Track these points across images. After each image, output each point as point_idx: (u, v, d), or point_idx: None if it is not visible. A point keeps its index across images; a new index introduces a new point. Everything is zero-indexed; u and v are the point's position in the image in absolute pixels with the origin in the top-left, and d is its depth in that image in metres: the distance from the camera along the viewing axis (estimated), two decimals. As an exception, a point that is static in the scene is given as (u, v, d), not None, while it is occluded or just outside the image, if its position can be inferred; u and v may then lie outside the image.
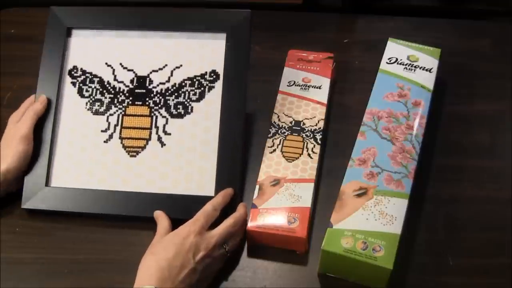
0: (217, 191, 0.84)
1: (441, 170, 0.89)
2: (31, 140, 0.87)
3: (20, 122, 0.88)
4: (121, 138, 0.89)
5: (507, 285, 0.78)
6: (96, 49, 0.93)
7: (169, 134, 0.89)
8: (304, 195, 0.83)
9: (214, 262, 0.77)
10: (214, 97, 0.89)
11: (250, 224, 0.81)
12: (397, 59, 0.93)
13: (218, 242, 0.77)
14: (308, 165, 0.86)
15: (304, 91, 0.93)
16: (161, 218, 0.81)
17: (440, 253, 0.81)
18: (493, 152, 0.91)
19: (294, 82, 0.95)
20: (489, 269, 0.80)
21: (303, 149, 0.88)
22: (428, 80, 0.90)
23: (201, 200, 0.83)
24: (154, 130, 0.89)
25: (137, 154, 0.88)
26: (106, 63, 0.92)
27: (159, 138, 0.89)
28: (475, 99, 0.97)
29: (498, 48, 1.04)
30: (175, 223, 0.84)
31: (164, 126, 0.89)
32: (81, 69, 0.92)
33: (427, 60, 0.93)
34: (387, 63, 0.92)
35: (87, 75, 0.92)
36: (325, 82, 0.94)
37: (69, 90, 0.92)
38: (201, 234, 0.76)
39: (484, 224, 0.83)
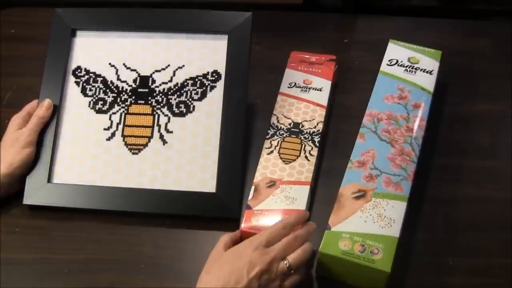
0: (218, 188, 0.85)
1: (441, 170, 0.89)
2: (35, 146, 0.87)
3: (26, 127, 0.87)
4: (123, 136, 0.89)
5: (507, 285, 0.78)
6: (100, 50, 0.93)
7: (171, 132, 0.89)
8: (299, 198, 0.83)
9: (275, 279, 0.71)
10: (216, 96, 0.89)
11: (244, 225, 0.81)
12: (397, 61, 0.92)
13: (275, 257, 0.71)
14: (304, 168, 0.86)
15: (305, 93, 0.93)
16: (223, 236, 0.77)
17: (440, 253, 0.81)
18: (493, 152, 0.91)
19: (295, 83, 0.94)
20: (489, 269, 0.80)
21: (300, 151, 0.87)
22: (428, 82, 0.90)
23: (202, 197, 0.84)
24: (156, 129, 0.89)
25: (139, 151, 0.89)
26: (109, 63, 0.93)
27: (161, 136, 0.89)
28: (475, 99, 0.97)
29: (498, 48, 1.04)
30: (175, 220, 0.84)
31: (166, 124, 0.89)
32: (85, 69, 0.93)
33: (428, 62, 0.92)
34: (387, 65, 0.92)
35: (90, 74, 0.93)
36: (326, 85, 0.94)
37: (73, 89, 0.92)
38: (258, 249, 0.71)
39: (484, 224, 0.83)
